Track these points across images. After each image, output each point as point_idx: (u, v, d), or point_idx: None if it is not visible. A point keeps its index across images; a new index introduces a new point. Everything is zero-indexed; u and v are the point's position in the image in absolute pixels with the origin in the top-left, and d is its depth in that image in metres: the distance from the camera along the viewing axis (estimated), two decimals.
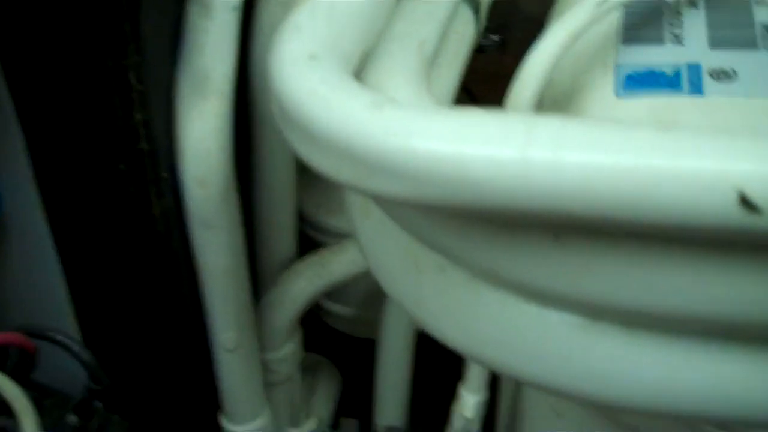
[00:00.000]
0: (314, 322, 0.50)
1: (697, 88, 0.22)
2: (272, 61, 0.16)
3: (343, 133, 0.15)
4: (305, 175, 0.40)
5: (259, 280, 0.39)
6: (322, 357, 0.55)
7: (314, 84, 0.15)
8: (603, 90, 0.23)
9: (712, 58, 0.23)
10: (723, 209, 0.12)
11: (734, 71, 0.23)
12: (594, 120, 0.14)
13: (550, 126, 0.13)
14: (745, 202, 0.12)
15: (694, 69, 0.23)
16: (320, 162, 0.15)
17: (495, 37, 0.69)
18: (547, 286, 0.16)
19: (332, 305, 0.50)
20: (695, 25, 0.25)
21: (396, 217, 0.19)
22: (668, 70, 0.23)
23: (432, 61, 0.21)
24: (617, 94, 0.23)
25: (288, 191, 0.38)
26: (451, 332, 0.19)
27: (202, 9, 0.30)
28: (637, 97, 0.22)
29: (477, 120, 0.14)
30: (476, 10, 0.27)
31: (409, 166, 0.14)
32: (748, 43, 0.24)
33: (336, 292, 0.46)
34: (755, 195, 0.12)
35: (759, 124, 0.21)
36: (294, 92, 0.15)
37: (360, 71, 0.18)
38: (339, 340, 0.54)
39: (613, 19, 0.25)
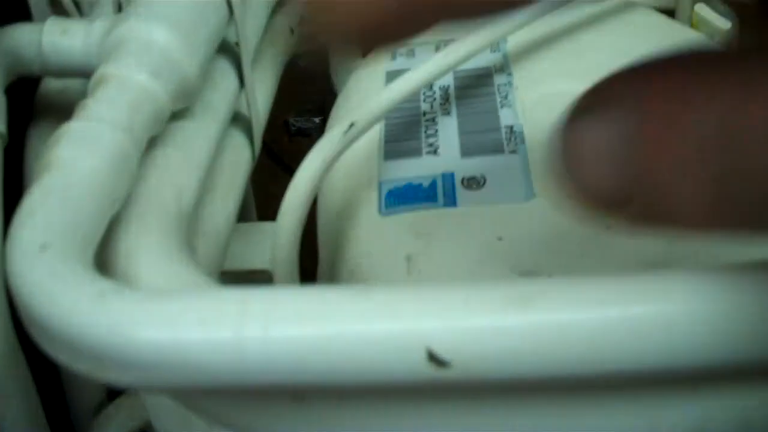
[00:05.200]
0: None
1: (451, 199, 0.24)
2: (6, 253, 0.17)
3: (70, 328, 0.15)
4: None
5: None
6: None
7: (42, 278, 0.16)
8: (369, 209, 0.24)
9: (464, 166, 0.25)
10: (415, 367, 0.13)
11: (483, 177, 0.24)
12: (304, 290, 0.14)
13: (261, 301, 0.14)
14: (434, 359, 0.13)
15: (449, 178, 0.25)
16: (57, 355, 0.15)
17: (316, 119, 0.70)
18: None
19: None
20: (449, 133, 0.26)
21: None
22: (425, 182, 0.25)
23: (195, 208, 0.22)
24: (381, 212, 0.24)
25: None
26: None
27: None
28: (399, 213, 0.24)
29: (194, 303, 0.14)
30: (249, 133, 0.28)
31: (132, 356, 0.14)
32: (495, 147, 0.25)
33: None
34: (442, 350, 0.13)
35: (503, 232, 0.23)
36: (23, 288, 0.16)
37: (107, 243, 0.18)
38: None
39: (375, 134, 0.27)
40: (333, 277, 0.25)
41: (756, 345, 0.12)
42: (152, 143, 0.21)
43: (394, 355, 0.13)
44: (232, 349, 0.14)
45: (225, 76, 0.26)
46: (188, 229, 0.21)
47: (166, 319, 0.14)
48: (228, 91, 0.26)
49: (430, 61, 0.25)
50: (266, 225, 0.29)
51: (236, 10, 0.25)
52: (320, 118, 0.68)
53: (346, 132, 0.22)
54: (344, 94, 0.30)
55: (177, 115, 0.23)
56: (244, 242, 0.28)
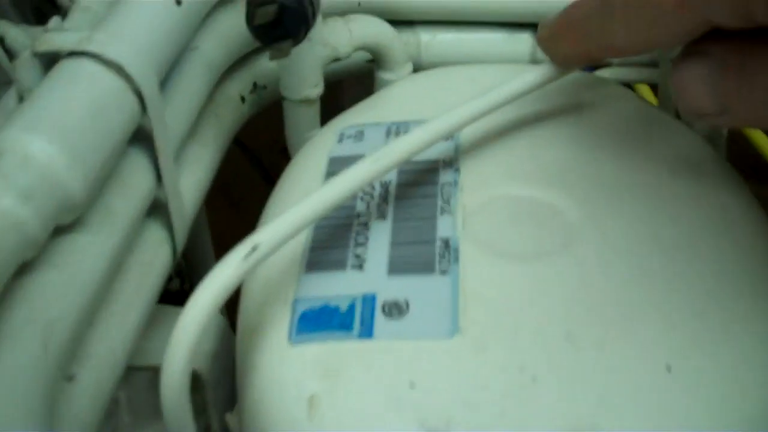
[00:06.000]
0: None
1: (367, 329, 0.22)
2: None
3: None
4: None
5: None
6: None
7: None
8: (279, 333, 0.22)
9: (388, 287, 0.23)
10: None
11: (407, 303, 0.22)
12: None
13: None
14: None
15: (369, 302, 0.22)
16: None
17: None
18: None
19: None
20: (380, 242, 0.24)
21: None
22: (343, 305, 0.22)
23: (76, 336, 0.20)
24: (290, 339, 0.22)
25: None
26: None
27: None
28: (309, 342, 0.22)
29: None
30: (169, 227, 0.26)
31: None
32: (426, 266, 0.23)
33: None
34: None
35: (417, 376, 0.20)
36: None
37: None
38: None
39: (303, 236, 0.25)
40: (241, 400, 0.23)
41: None
42: (24, 267, 0.19)
43: None
44: None
45: (137, 171, 0.24)
46: (58, 374, 0.19)
47: None
48: (139, 189, 0.23)
49: (364, 164, 0.23)
50: None
51: (150, 103, 0.23)
52: None
53: (246, 256, 0.20)
54: (280, 184, 0.28)
55: (66, 228, 0.21)
56: (161, 331, 0.26)
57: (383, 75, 0.35)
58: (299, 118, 0.33)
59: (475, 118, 0.26)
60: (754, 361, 0.21)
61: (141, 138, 0.23)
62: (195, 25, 0.27)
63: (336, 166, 0.27)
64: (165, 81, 0.26)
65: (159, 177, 0.24)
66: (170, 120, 0.26)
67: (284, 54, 0.25)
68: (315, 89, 0.32)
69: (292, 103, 0.32)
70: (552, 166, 0.27)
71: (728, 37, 0.19)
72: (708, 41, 0.19)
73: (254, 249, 0.20)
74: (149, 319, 0.24)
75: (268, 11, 0.24)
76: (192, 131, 0.29)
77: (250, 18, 0.25)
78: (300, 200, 0.22)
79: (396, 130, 0.29)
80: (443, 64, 0.37)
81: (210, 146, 0.29)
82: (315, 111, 0.33)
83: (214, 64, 0.29)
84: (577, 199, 0.25)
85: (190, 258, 0.40)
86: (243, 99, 0.32)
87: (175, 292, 0.44)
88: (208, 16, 0.29)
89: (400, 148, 0.24)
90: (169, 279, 0.45)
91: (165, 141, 0.24)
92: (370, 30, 0.33)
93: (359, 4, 0.35)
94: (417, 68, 0.37)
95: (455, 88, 0.31)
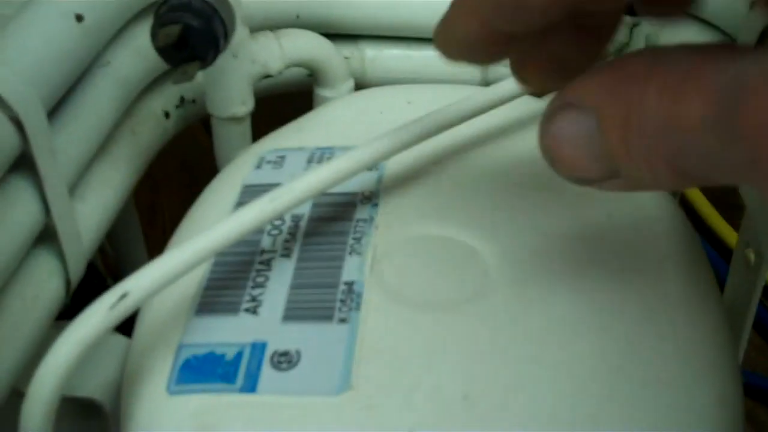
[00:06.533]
0: None
1: (251, 382, 0.20)
2: None
3: None
4: None
5: None
6: None
7: None
8: (159, 381, 0.21)
9: (281, 335, 0.21)
10: None
11: (298, 354, 0.21)
12: None
13: None
14: None
15: (259, 350, 0.21)
16: None
17: None
18: None
19: None
20: (280, 284, 0.23)
21: None
22: (230, 353, 0.21)
23: None
24: (169, 389, 0.20)
25: None
26: None
27: None
28: (188, 394, 0.20)
29: None
30: (62, 256, 0.24)
31: None
32: (324, 312, 0.22)
33: None
34: None
35: None
36: None
37: None
38: None
39: (198, 274, 0.23)
40: None
41: None
42: None
43: None
44: None
45: (18, 200, 0.22)
46: None
47: None
48: (20, 220, 0.22)
49: (261, 203, 0.22)
50: (116, 338, 0.25)
51: (31, 131, 0.21)
52: None
53: (113, 306, 0.19)
54: (189, 214, 0.26)
55: None
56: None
57: (322, 92, 0.33)
58: (227, 136, 0.31)
59: (400, 149, 0.24)
60: (671, 419, 0.19)
61: (25, 166, 0.22)
62: (102, 41, 0.25)
63: (248, 195, 0.26)
64: (67, 100, 0.25)
65: (47, 205, 0.23)
66: (70, 142, 0.24)
67: (189, 78, 0.23)
68: (243, 107, 0.31)
69: (220, 120, 0.31)
70: (478, 203, 0.25)
71: (602, 73, 0.15)
72: (579, 86, 0.16)
73: (123, 297, 0.19)
74: (34, 353, 0.23)
75: (171, 32, 0.23)
76: (103, 150, 0.27)
77: (153, 38, 0.23)
78: (183, 242, 0.20)
79: (319, 156, 0.27)
80: (389, 81, 0.35)
81: (122, 166, 0.28)
82: (244, 128, 0.32)
83: (129, 79, 0.27)
84: (498, 241, 0.24)
85: (125, 260, 0.38)
86: (167, 114, 0.31)
87: None
88: (122, 30, 0.27)
89: (306, 185, 0.22)
90: (104, 282, 0.44)
91: (52, 169, 0.22)
92: (305, 45, 0.31)
93: (297, 16, 0.33)
94: (361, 85, 0.35)
95: (389, 110, 0.30)
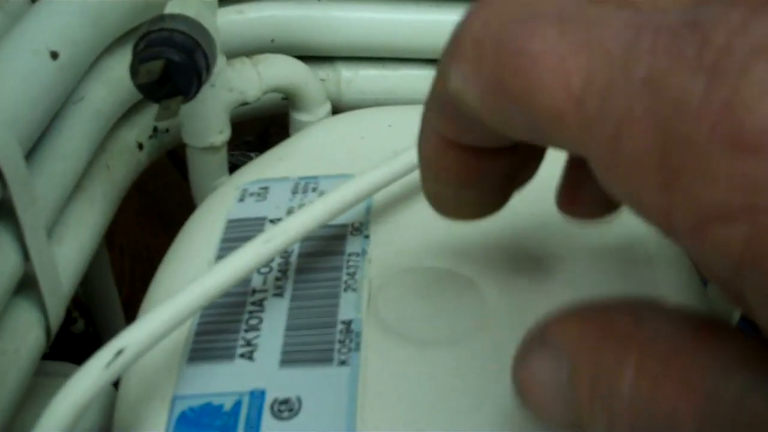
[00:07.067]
0: None
1: None
2: None
3: None
4: None
5: None
6: None
7: None
8: None
9: (280, 381, 0.20)
10: None
11: (299, 401, 0.20)
12: None
13: None
14: None
15: (258, 399, 0.20)
16: None
17: (252, 155, 0.66)
18: None
19: None
20: (274, 326, 0.22)
21: None
22: (228, 403, 0.20)
23: None
24: None
25: None
26: None
27: None
28: None
29: None
30: (42, 305, 0.23)
31: None
32: (323, 355, 0.21)
33: None
34: None
35: None
36: None
37: None
38: None
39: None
40: None
41: None
42: None
43: None
44: None
45: None
46: None
47: None
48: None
49: (254, 246, 0.21)
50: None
51: (11, 178, 0.20)
52: (257, 153, 0.65)
53: (109, 364, 0.18)
54: (170, 254, 0.25)
55: None
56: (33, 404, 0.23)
57: (298, 116, 0.33)
58: (204, 166, 0.30)
59: (394, 179, 0.24)
60: None
61: (4, 213, 0.21)
62: (77, 76, 0.24)
63: (234, 230, 0.25)
64: (43, 140, 0.23)
65: (27, 252, 0.22)
66: (48, 185, 0.23)
67: (173, 114, 0.22)
68: (220, 136, 0.30)
69: (196, 150, 0.30)
70: (469, 231, 0.25)
71: (587, 321, 0.15)
72: (562, 325, 0.15)
73: (119, 354, 0.18)
74: (18, 404, 0.22)
75: (153, 68, 0.22)
76: (78, 187, 0.26)
77: (133, 75, 0.22)
78: (178, 291, 0.19)
79: (303, 186, 0.27)
80: (366, 103, 0.35)
81: (98, 203, 0.26)
82: (221, 158, 0.31)
83: (104, 113, 0.26)
84: (493, 269, 0.23)
85: (93, 299, 0.37)
86: (140, 146, 0.30)
87: (80, 334, 0.42)
88: (95, 63, 0.26)
89: (300, 224, 0.22)
90: (74, 321, 0.42)
91: (32, 215, 0.21)
92: (281, 71, 0.31)
93: (272, 41, 0.32)
94: (337, 107, 0.35)
95: (371, 135, 0.29)
